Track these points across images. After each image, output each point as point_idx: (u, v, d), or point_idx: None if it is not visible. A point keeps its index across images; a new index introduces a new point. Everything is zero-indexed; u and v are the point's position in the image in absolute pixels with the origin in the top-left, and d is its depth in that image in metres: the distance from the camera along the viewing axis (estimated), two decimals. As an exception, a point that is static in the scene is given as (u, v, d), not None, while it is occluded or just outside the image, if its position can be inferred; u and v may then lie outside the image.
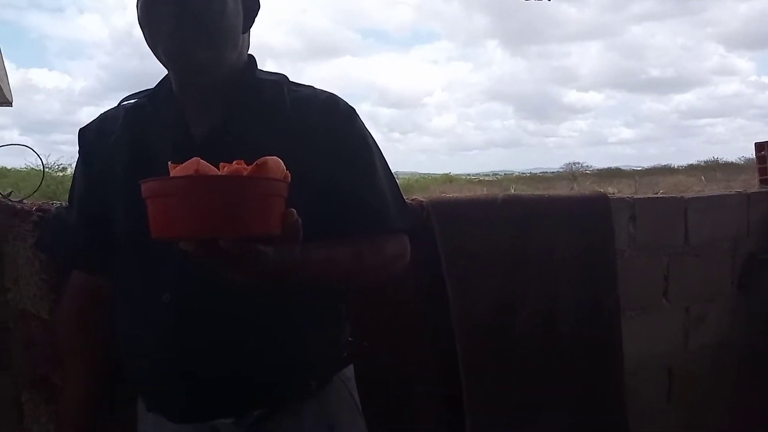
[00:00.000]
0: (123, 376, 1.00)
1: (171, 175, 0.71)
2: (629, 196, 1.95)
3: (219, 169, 0.72)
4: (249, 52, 1.04)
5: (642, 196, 1.98)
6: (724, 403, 2.20)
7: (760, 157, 2.44)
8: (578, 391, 1.77)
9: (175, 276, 0.90)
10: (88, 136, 1.06)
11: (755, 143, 2.50)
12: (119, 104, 1.05)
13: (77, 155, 1.07)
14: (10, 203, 1.12)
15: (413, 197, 1.56)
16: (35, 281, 1.12)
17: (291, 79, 1.05)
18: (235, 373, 0.91)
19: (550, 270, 1.71)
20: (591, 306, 1.79)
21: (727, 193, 2.24)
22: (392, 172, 1.08)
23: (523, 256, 1.66)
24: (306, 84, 1.06)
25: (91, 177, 1.03)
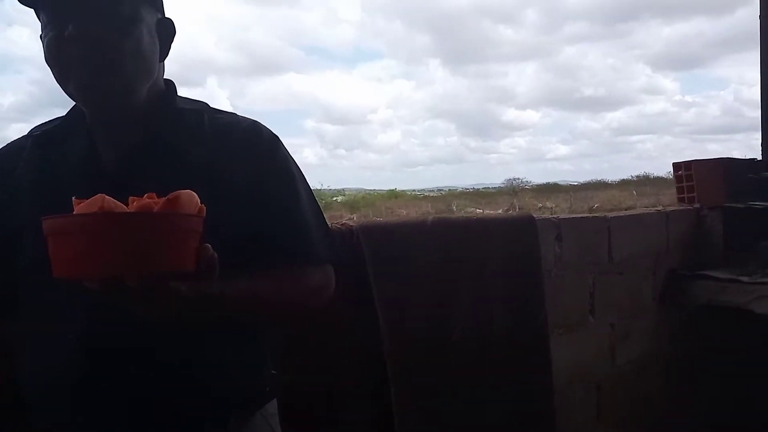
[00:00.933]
0: (20, 422, 0.94)
1: (75, 211, 0.68)
2: (555, 216, 2.01)
3: (129, 204, 0.69)
4: (168, 78, 1.02)
5: (567, 216, 2.05)
6: (650, 417, 2.28)
7: (677, 177, 2.56)
8: (510, 408, 1.80)
9: (81, 314, 0.85)
10: None
11: (673, 163, 2.64)
12: (29, 133, 1.00)
13: None
14: None
15: (343, 221, 1.56)
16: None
17: (212, 106, 1.03)
18: (149, 413, 0.87)
19: (481, 290, 1.74)
20: (521, 324, 1.83)
21: (647, 211, 2.35)
22: (317, 201, 1.07)
23: (454, 277, 1.69)
24: (228, 111, 1.05)
25: None
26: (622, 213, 2.25)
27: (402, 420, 1.56)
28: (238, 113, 1.06)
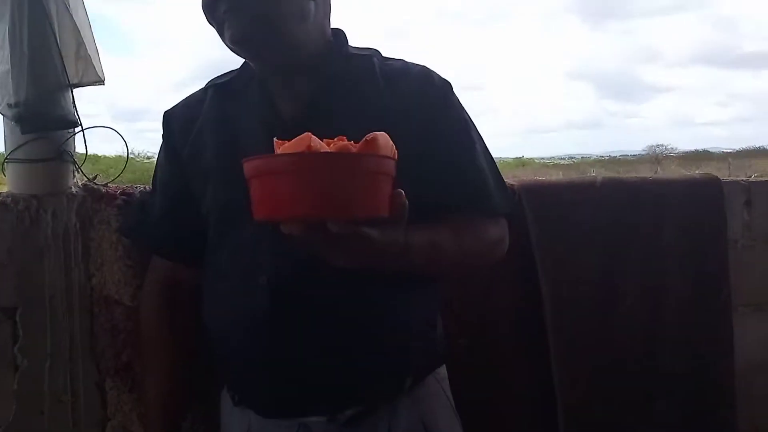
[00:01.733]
0: (208, 367, 0.97)
1: (278, 152, 0.66)
2: (745, 179, 1.74)
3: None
4: (337, 27, 0.98)
5: (759, 179, 1.77)
6: None
7: None
8: (682, 390, 1.61)
9: (270, 258, 0.86)
10: (172, 119, 1.02)
11: None
12: (206, 86, 1.02)
13: (161, 140, 1.04)
14: (95, 187, 1.11)
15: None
16: (119, 267, 1.11)
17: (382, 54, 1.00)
18: (330, 366, 0.86)
19: (655, 259, 1.56)
20: (700, 299, 1.62)
21: None
22: (489, 150, 0.99)
23: (625, 243, 1.52)
24: (397, 57, 0.99)
25: (175, 161, 1.00)
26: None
27: (564, 397, 1.44)
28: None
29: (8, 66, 1.02)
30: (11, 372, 1.10)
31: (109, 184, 1.13)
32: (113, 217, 1.11)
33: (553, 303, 1.44)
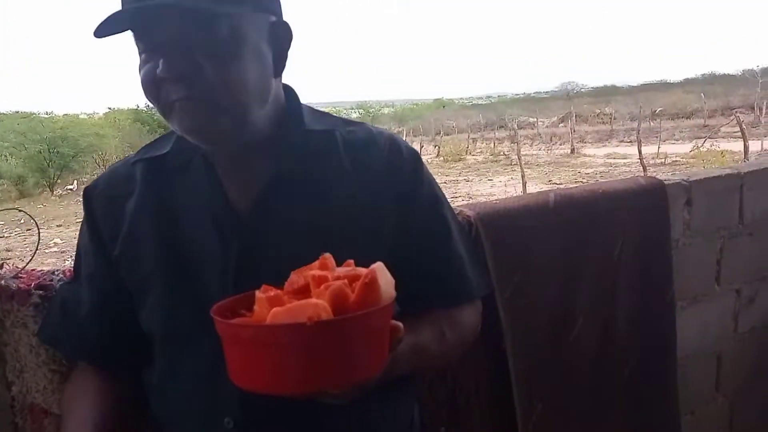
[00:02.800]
0: None
1: (273, 316, 0.56)
2: (686, 179, 1.76)
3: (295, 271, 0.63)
4: (286, 85, 0.85)
5: (697, 177, 1.79)
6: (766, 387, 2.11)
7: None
8: (632, 396, 1.66)
9: (235, 394, 0.73)
10: (96, 198, 0.85)
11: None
12: (133, 160, 0.86)
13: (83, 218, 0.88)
14: (3, 284, 0.92)
15: (459, 210, 1.37)
16: (43, 372, 0.94)
17: (341, 117, 0.89)
18: None
19: (607, 272, 1.56)
20: (647, 306, 1.65)
21: (782, 161, 2.05)
22: (461, 222, 0.92)
23: (580, 262, 1.51)
24: (357, 122, 0.88)
25: (102, 251, 0.84)
26: (755, 167, 1.97)
27: (524, 422, 1.45)
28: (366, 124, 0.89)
29: None
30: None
31: (20, 274, 0.95)
32: (29, 317, 0.93)
33: (513, 331, 1.41)
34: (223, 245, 0.76)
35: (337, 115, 0.89)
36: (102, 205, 0.84)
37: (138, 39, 0.70)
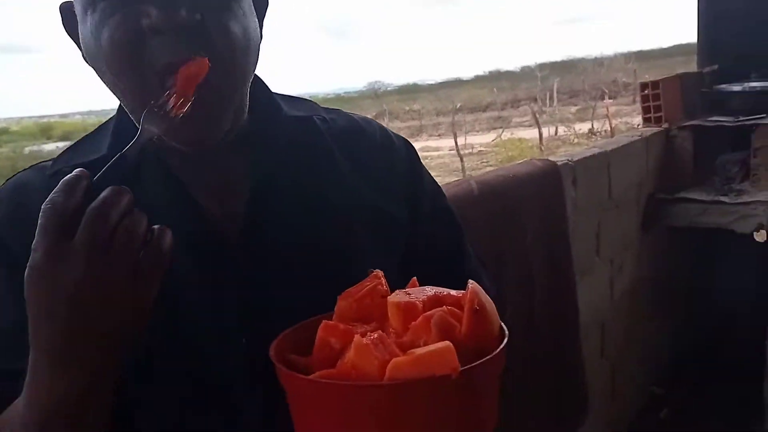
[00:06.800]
0: None
1: (350, 364, 0.42)
2: (569, 159, 1.83)
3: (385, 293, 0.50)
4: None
5: (579, 156, 1.89)
6: (641, 343, 2.33)
7: (644, 96, 2.49)
8: (552, 369, 1.69)
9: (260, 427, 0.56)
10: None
11: (640, 83, 2.56)
12: (51, 170, 0.59)
13: None
14: None
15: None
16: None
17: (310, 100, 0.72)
18: None
19: (526, 258, 1.56)
20: (557, 287, 1.69)
21: (633, 139, 2.26)
22: None
23: (504, 251, 1.48)
24: (332, 108, 0.73)
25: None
26: (616, 144, 2.14)
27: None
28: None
29: None
30: None
31: None
32: None
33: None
34: (213, 286, 0.56)
35: (309, 99, 0.72)
36: (8, 228, 0.56)
37: None
